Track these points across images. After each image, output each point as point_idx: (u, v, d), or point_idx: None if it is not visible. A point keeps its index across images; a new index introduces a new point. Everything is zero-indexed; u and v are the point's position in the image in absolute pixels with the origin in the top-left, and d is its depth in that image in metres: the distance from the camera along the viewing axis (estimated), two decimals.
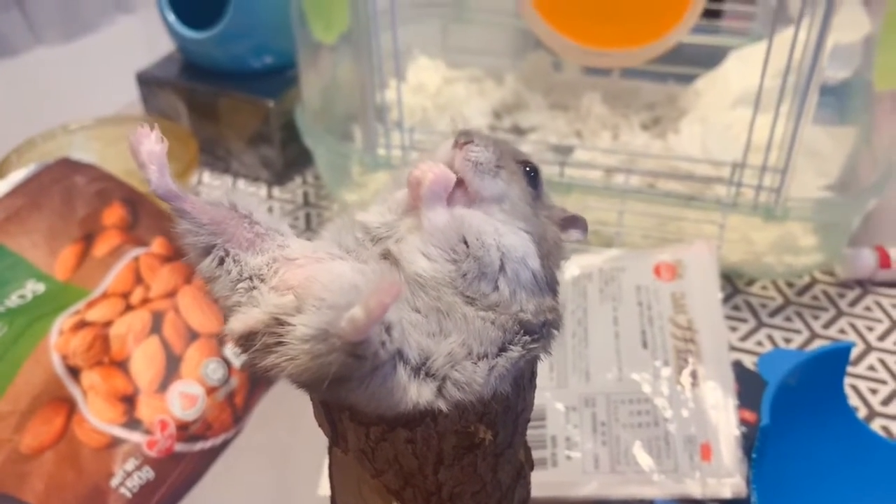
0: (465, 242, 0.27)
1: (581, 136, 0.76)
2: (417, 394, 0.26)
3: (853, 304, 0.63)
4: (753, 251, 0.63)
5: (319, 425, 0.31)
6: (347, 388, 0.25)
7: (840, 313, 0.62)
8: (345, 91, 0.75)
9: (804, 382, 0.45)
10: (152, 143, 0.27)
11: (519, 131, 0.78)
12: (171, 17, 0.74)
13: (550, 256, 0.30)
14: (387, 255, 0.28)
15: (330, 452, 0.35)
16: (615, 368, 0.51)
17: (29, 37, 1.17)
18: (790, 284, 0.65)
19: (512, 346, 0.28)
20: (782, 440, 0.43)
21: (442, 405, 0.26)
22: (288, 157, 0.76)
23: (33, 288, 0.57)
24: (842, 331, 0.60)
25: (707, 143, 0.71)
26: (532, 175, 0.31)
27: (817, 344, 0.59)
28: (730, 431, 0.47)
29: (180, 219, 0.28)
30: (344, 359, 0.24)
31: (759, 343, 0.60)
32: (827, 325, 0.61)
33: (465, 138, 0.29)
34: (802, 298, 0.63)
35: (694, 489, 0.46)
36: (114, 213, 0.62)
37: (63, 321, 0.53)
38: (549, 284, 0.29)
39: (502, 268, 0.28)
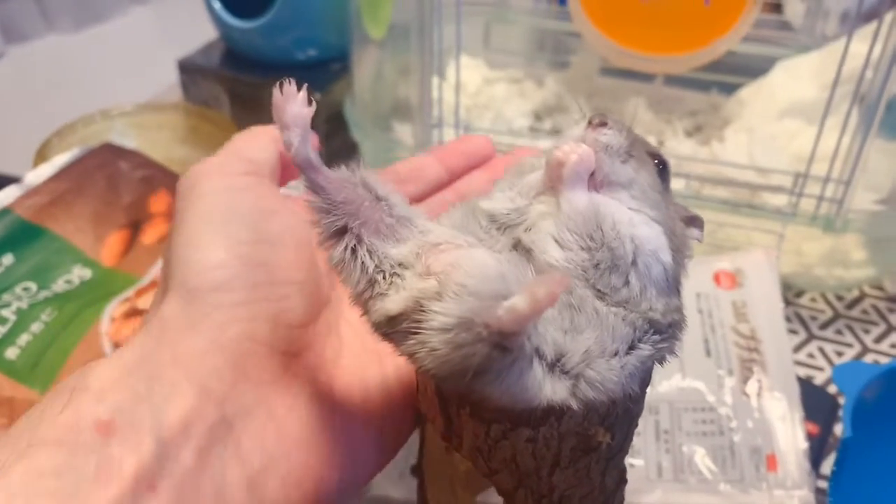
0: (601, 230, 0.26)
1: None
2: (552, 391, 0.25)
3: None
4: (804, 263, 0.63)
5: (430, 420, 0.30)
6: (484, 381, 0.24)
7: (891, 328, 0.61)
8: (388, 88, 0.74)
9: (879, 396, 0.44)
10: (299, 104, 0.26)
11: (561, 134, 0.77)
12: (217, 6, 0.73)
13: (679, 252, 0.29)
14: (517, 245, 0.27)
15: (421, 446, 0.35)
16: (678, 376, 0.50)
17: (42, 23, 1.15)
18: (839, 297, 0.64)
19: (641, 345, 0.27)
20: (858, 454, 0.42)
21: (573, 404, 0.25)
22: (331, 151, 0.75)
23: (80, 273, 0.56)
24: (894, 345, 0.60)
25: (754, 153, 0.71)
26: (661, 168, 0.30)
27: (870, 358, 0.59)
28: (797, 443, 0.47)
29: (314, 194, 0.26)
30: (489, 351, 0.23)
31: (811, 355, 0.59)
32: (878, 340, 0.60)
33: (599, 119, 0.28)
34: (852, 312, 0.63)
35: (761, 500, 0.45)
36: (160, 201, 0.61)
37: (114, 308, 0.52)
38: (676, 282, 0.28)
39: (634, 261, 0.27)
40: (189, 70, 0.76)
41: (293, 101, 0.26)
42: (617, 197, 0.28)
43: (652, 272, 0.27)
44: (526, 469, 0.28)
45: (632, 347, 0.27)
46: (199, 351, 0.28)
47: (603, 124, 0.28)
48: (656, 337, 0.27)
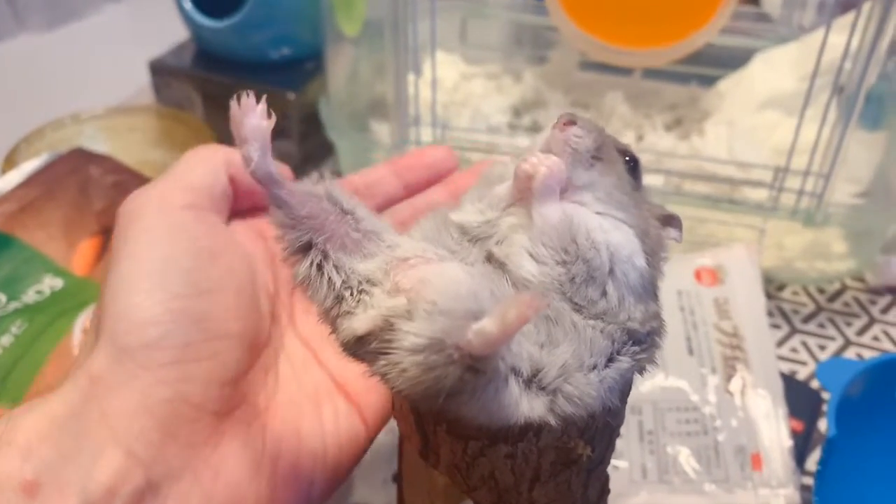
0: (576, 242, 0.26)
1: None
2: (529, 408, 0.24)
3: (885, 311, 0.62)
4: (785, 256, 0.63)
5: (406, 437, 0.29)
6: (458, 401, 0.23)
7: (873, 320, 0.61)
8: (364, 86, 0.73)
9: (863, 392, 0.44)
10: (258, 117, 0.25)
11: (540, 130, 0.77)
12: (188, 5, 0.71)
13: (654, 255, 0.28)
14: (490, 258, 0.27)
15: (400, 458, 0.34)
16: (661, 375, 0.50)
17: (13, 24, 1.12)
18: (821, 290, 0.64)
19: (620, 357, 0.26)
20: (843, 452, 0.42)
21: (552, 420, 0.25)
22: (307, 152, 0.74)
23: (51, 283, 0.54)
24: (876, 338, 0.60)
25: (734, 146, 0.70)
26: (632, 165, 0.29)
27: (852, 351, 0.59)
28: (781, 441, 0.46)
29: (276, 209, 0.26)
30: (461, 373, 0.22)
31: (794, 350, 0.59)
32: (861, 332, 0.60)
33: (567, 118, 0.28)
34: (834, 305, 0.63)
35: (746, 500, 0.45)
36: None
37: (86, 319, 0.51)
38: (653, 286, 0.28)
39: (611, 270, 0.26)
40: (160, 71, 0.75)
41: (252, 114, 0.25)
42: (582, 200, 0.27)
43: (630, 279, 0.26)
44: (505, 485, 0.27)
45: (611, 360, 0.26)
46: (128, 412, 0.27)
47: (571, 124, 0.27)
48: (635, 348, 0.26)
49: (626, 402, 0.28)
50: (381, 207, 0.40)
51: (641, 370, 0.27)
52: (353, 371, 0.33)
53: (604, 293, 0.26)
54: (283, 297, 0.37)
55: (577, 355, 0.25)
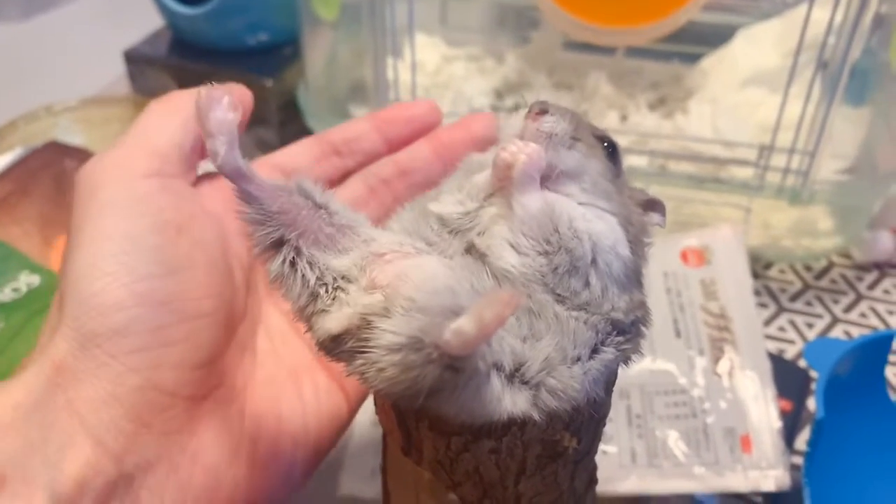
0: (558, 232, 0.25)
1: (588, 116, 0.74)
2: (512, 403, 0.24)
3: (872, 287, 0.62)
4: (771, 234, 0.62)
5: (387, 432, 0.28)
6: (439, 399, 0.22)
7: (860, 297, 0.61)
8: (343, 71, 0.72)
9: (850, 371, 0.44)
10: (224, 109, 0.24)
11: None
12: None
13: (638, 243, 0.27)
14: (470, 250, 0.26)
15: (384, 451, 0.33)
16: (648, 359, 0.49)
17: None
18: (808, 268, 0.64)
19: (604, 348, 0.25)
20: (832, 431, 0.42)
21: (535, 414, 0.24)
22: (286, 139, 0.72)
23: (27, 280, 0.53)
24: (863, 314, 0.60)
25: (718, 124, 0.70)
26: (611, 151, 0.28)
27: (839, 329, 0.59)
28: (770, 422, 0.46)
29: (246, 205, 0.25)
30: (440, 372, 0.21)
31: (782, 328, 0.59)
32: (848, 309, 0.60)
33: (539, 107, 0.27)
34: (821, 282, 0.62)
35: (736, 482, 0.45)
36: None
37: None
38: (637, 275, 0.27)
39: (594, 260, 0.25)
40: (136, 60, 0.73)
41: (217, 107, 0.24)
42: (567, 191, 0.26)
43: (613, 269, 0.26)
44: (490, 480, 0.27)
45: (595, 351, 0.25)
46: (96, 402, 0.26)
47: (543, 112, 0.26)
48: (619, 338, 0.26)
49: (611, 393, 0.28)
50: (362, 164, 0.38)
51: (626, 360, 0.27)
52: None
53: (587, 283, 0.25)
54: (260, 264, 0.35)
55: (560, 348, 0.24)
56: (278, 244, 0.25)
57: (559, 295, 0.25)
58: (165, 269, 0.28)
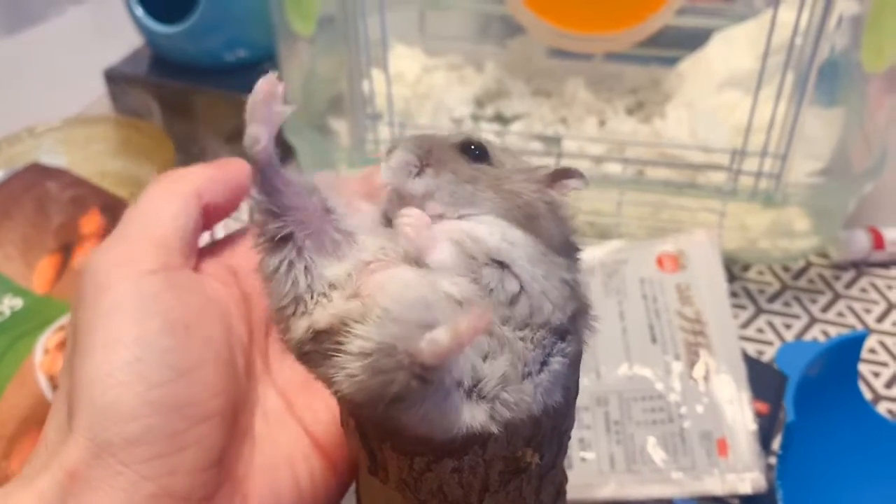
0: (476, 259, 0.25)
1: (566, 122, 0.75)
2: (471, 416, 0.24)
3: (849, 286, 0.63)
4: (748, 237, 0.63)
5: (354, 453, 0.29)
6: (400, 408, 0.23)
7: (837, 296, 0.62)
8: (321, 85, 0.73)
9: (821, 373, 0.44)
10: (279, 103, 0.24)
11: (503, 120, 0.76)
12: (140, 12, 0.70)
13: (541, 219, 0.27)
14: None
15: (357, 476, 0.34)
16: (625, 365, 0.50)
17: None
18: (786, 269, 0.64)
19: (552, 359, 0.26)
20: (802, 433, 0.42)
21: (493, 428, 0.25)
22: None
23: (10, 303, 0.54)
24: (840, 314, 0.60)
25: (695, 128, 0.70)
26: (478, 153, 0.28)
27: (817, 329, 0.59)
28: (746, 425, 0.47)
29: (265, 196, 0.25)
30: (408, 380, 0.22)
31: (760, 330, 0.59)
32: (825, 309, 0.61)
33: (390, 146, 0.28)
34: (799, 282, 0.63)
35: (713, 486, 0.45)
36: (92, 222, 0.59)
37: (47, 339, 0.51)
38: (558, 250, 0.27)
39: (500, 263, 0.25)
40: (116, 79, 0.74)
41: (275, 101, 0.24)
42: (430, 209, 0.27)
43: (514, 255, 0.26)
44: (454, 498, 0.27)
45: (544, 364, 0.26)
46: None
47: (392, 150, 0.27)
48: (563, 345, 0.26)
49: (573, 404, 0.28)
50: None
51: (577, 360, 0.27)
52: (326, 422, 0.32)
53: (519, 293, 0.25)
54: (258, 339, 0.35)
55: (513, 366, 0.25)
56: (284, 241, 0.26)
57: (503, 315, 0.26)
58: (177, 373, 0.28)
